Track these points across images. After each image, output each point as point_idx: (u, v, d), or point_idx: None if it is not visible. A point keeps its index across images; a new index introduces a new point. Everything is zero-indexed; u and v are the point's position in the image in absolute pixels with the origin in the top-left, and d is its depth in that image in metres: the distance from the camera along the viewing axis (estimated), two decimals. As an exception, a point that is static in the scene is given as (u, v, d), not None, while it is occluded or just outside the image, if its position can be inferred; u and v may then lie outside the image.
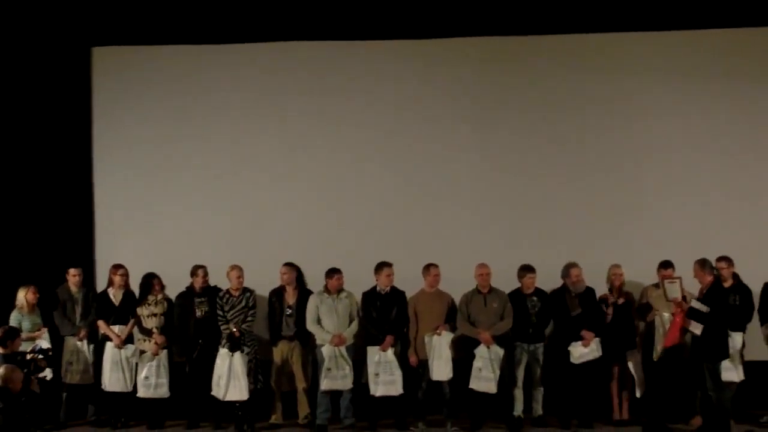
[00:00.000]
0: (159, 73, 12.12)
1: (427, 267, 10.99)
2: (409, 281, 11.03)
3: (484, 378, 10.67)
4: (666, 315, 10.73)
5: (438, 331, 10.77)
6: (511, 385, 10.88)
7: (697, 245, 10.90)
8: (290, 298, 11.10)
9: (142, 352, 11.04)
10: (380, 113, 11.99)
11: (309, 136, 12.01)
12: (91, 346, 11.24)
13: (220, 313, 10.98)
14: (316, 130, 12.02)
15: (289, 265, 11.14)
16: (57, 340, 11.08)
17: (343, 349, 10.77)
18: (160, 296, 11.17)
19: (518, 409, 10.94)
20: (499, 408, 10.88)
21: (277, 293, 11.14)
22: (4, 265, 11.73)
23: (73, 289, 11.34)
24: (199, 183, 12.02)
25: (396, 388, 10.73)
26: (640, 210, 11.72)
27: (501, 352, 10.72)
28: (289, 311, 11.07)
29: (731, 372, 10.36)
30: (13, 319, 10.89)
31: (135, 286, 11.28)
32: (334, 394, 10.84)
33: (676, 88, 11.83)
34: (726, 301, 10.40)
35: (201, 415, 11.06)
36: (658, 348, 10.74)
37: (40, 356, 8.66)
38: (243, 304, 11.02)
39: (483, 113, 11.95)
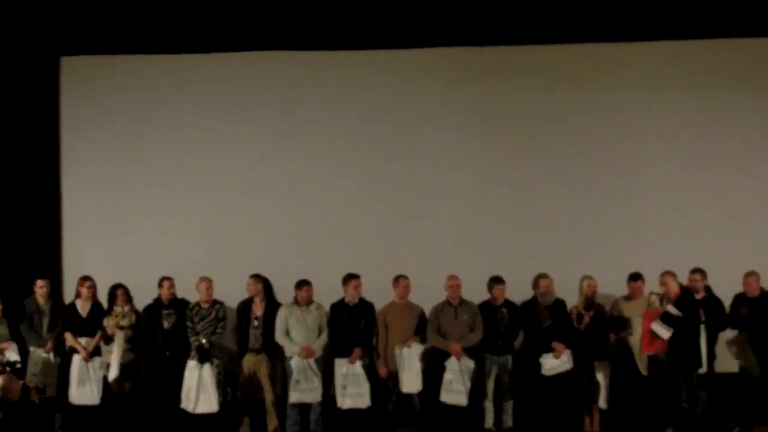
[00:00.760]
0: (129, 83, 12.07)
1: (397, 278, 10.97)
2: (379, 292, 10.97)
3: (455, 390, 10.61)
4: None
5: (408, 344, 10.72)
6: (481, 397, 10.83)
7: (666, 257, 10.86)
8: (258, 309, 11.02)
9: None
10: (349, 125, 11.98)
11: (279, 147, 11.99)
12: (58, 359, 11.09)
13: (190, 324, 10.89)
14: (286, 141, 11.99)
15: (256, 276, 11.09)
16: (25, 352, 10.95)
17: (312, 361, 10.70)
18: (126, 308, 11.05)
19: (488, 421, 10.89)
20: (469, 420, 10.82)
21: (246, 305, 11.06)
22: (-30, 277, 11.63)
23: (41, 300, 11.21)
24: (168, 194, 11.96)
25: (364, 401, 10.66)
26: (611, 222, 11.73)
27: (471, 364, 10.67)
28: (255, 323, 10.96)
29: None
30: (-21, 331, 10.78)
31: (104, 299, 11.16)
32: (303, 407, 10.78)
33: (648, 100, 11.85)
34: (697, 310, 10.38)
35: (170, 428, 10.93)
36: (640, 362, 10.74)
37: (8, 369, 8.57)
38: (213, 315, 10.95)
39: (455, 124, 11.93)
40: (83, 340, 10.99)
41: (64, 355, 11.09)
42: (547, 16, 11.76)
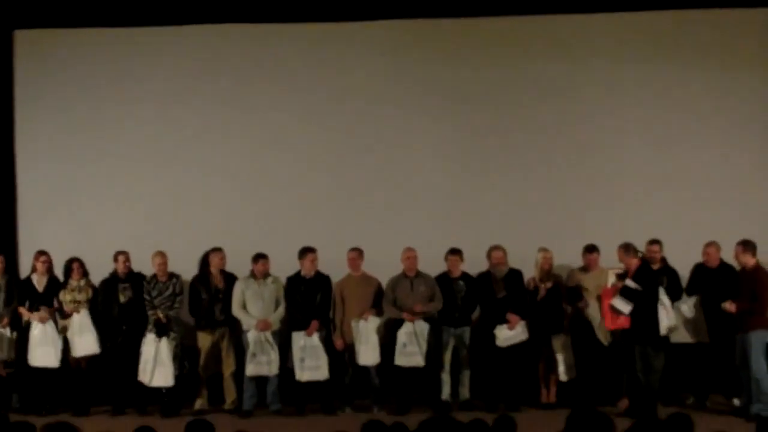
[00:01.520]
0: (83, 57, 11.92)
1: (351, 251, 10.97)
2: (337, 265, 11.00)
3: (409, 353, 10.65)
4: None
5: (365, 317, 10.74)
6: (438, 369, 10.86)
7: (622, 230, 10.88)
8: (219, 283, 11.00)
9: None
10: (303, 98, 11.87)
11: (232, 121, 11.91)
12: (14, 333, 11.02)
13: (148, 297, 10.89)
14: (238, 115, 11.90)
15: (218, 249, 11.06)
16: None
17: (268, 334, 10.71)
18: (82, 282, 11.03)
19: (445, 392, 10.93)
20: (426, 392, 10.87)
21: (201, 279, 11.02)
22: None
23: (-4, 275, 11.18)
24: (123, 168, 11.85)
25: (322, 373, 10.68)
26: (566, 195, 11.73)
27: (426, 327, 10.68)
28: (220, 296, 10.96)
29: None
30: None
31: (60, 273, 11.12)
32: (260, 380, 10.78)
33: (602, 74, 11.80)
34: (656, 282, 10.44)
35: (126, 400, 10.93)
36: (600, 335, 10.77)
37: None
38: (170, 290, 10.96)
39: (408, 98, 11.84)
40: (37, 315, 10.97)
41: (21, 330, 11.02)
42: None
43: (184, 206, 11.79)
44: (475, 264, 11.09)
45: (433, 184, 11.82)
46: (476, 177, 11.83)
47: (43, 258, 11.07)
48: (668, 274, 10.85)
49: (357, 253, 10.99)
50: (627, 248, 10.38)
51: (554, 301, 10.88)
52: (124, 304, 10.94)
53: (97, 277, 11.13)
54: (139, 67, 11.91)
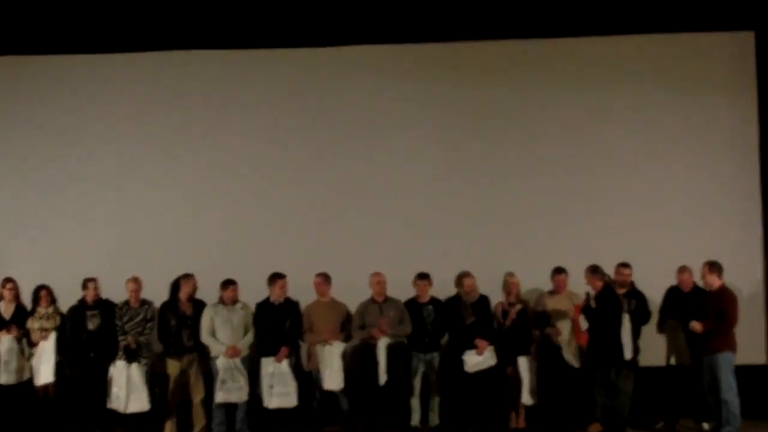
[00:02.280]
0: (49, 83, 11.96)
1: (316, 276, 10.98)
2: (309, 290, 11.00)
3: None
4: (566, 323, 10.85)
5: (330, 341, 10.71)
6: (407, 395, 10.84)
7: (590, 252, 10.95)
8: (187, 309, 10.97)
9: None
10: (271, 122, 11.95)
11: (201, 146, 11.94)
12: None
13: (119, 323, 10.84)
14: (208, 139, 11.93)
15: (190, 276, 11.02)
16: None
17: (238, 360, 10.68)
18: (50, 309, 10.98)
19: (415, 419, 10.91)
20: (395, 418, 10.83)
21: (170, 305, 10.96)
22: None
23: (-37, 303, 11.12)
24: (91, 194, 11.86)
25: (290, 400, 10.64)
26: (535, 218, 11.76)
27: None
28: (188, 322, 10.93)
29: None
30: None
31: (27, 301, 11.06)
32: (230, 406, 10.74)
33: (570, 97, 11.88)
34: (618, 306, 10.48)
35: (92, 427, 10.86)
36: (570, 357, 10.81)
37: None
38: (141, 316, 10.92)
39: (376, 122, 11.93)
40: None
41: (-12, 357, 10.98)
42: (485, 13, 11.80)
43: (153, 232, 11.78)
44: (443, 288, 11.07)
45: (402, 210, 11.83)
46: (444, 201, 11.84)
47: (9, 285, 11.03)
48: (636, 296, 10.87)
49: (322, 278, 10.99)
50: (594, 270, 10.49)
51: (522, 325, 10.88)
52: (93, 331, 10.88)
53: (63, 304, 11.06)
54: (106, 93, 11.93)
